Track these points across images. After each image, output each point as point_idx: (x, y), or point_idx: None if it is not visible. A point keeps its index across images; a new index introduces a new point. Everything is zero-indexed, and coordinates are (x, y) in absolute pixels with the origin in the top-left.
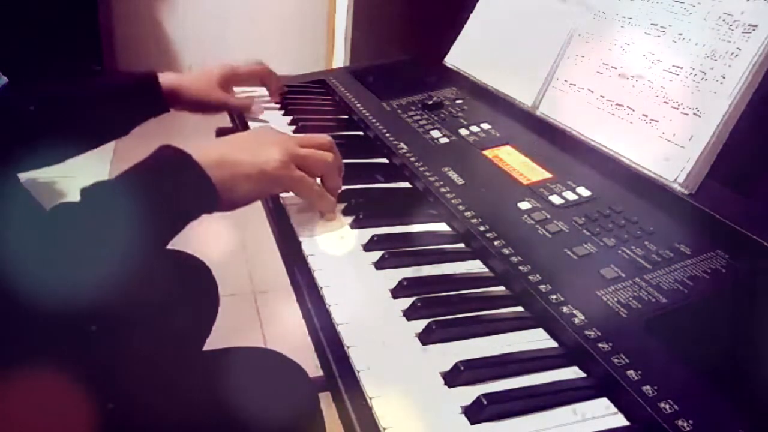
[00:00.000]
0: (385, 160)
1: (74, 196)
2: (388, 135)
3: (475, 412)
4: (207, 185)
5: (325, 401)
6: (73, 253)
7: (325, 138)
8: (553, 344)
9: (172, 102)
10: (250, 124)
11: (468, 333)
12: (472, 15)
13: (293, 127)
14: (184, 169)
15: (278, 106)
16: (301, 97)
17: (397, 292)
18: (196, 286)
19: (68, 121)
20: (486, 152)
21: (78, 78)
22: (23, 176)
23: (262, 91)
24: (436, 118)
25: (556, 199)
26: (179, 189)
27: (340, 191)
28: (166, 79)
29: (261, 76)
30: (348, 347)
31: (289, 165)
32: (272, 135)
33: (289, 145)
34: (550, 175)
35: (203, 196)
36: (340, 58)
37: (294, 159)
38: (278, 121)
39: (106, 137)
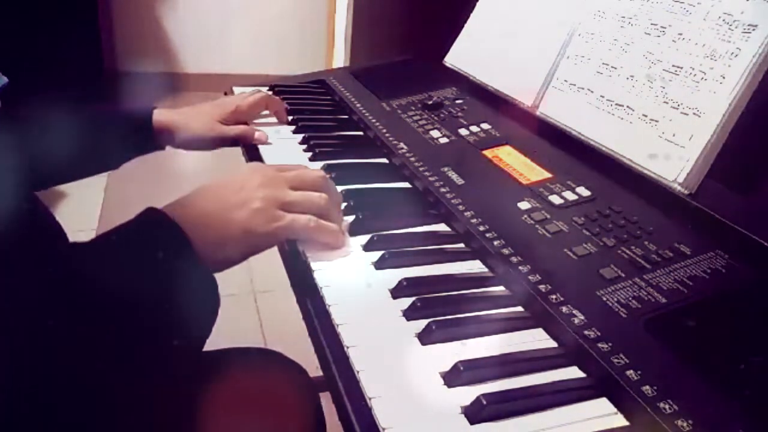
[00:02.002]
0: (385, 160)
1: (74, 196)
2: (388, 135)
3: (475, 412)
4: (190, 256)
5: (325, 401)
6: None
7: (317, 175)
8: (553, 344)
9: (166, 140)
10: (261, 149)
11: (468, 333)
12: (472, 15)
13: (293, 127)
14: (169, 240)
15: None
16: (301, 97)
17: (397, 292)
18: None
19: (56, 151)
20: (486, 152)
21: (73, 107)
22: None
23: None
24: (436, 118)
25: (555, 199)
26: (162, 261)
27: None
28: (161, 116)
29: (265, 104)
30: (348, 347)
31: (274, 216)
32: (260, 180)
33: (276, 193)
34: (550, 175)
35: (187, 267)
36: (340, 58)
37: (280, 207)
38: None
39: (93, 170)
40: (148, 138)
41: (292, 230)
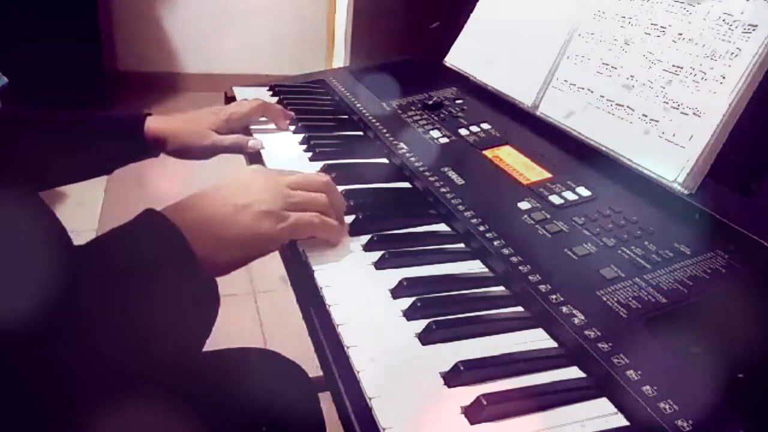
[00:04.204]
0: (385, 160)
1: (74, 196)
2: (388, 135)
3: (475, 412)
4: (189, 259)
5: (325, 401)
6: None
7: (320, 179)
8: (553, 344)
9: (159, 148)
10: (263, 153)
11: (468, 333)
12: (472, 15)
13: (293, 127)
14: (168, 243)
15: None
16: (301, 97)
17: (397, 292)
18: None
19: (46, 155)
20: (486, 152)
21: (66, 112)
22: None
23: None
24: (436, 118)
25: (555, 199)
26: (159, 264)
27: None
28: (154, 124)
29: (262, 111)
30: (348, 347)
31: (279, 218)
32: (263, 183)
33: (280, 196)
34: (550, 175)
35: (186, 270)
36: (340, 58)
37: (285, 208)
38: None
39: (83, 175)
40: (139, 146)
41: (297, 229)
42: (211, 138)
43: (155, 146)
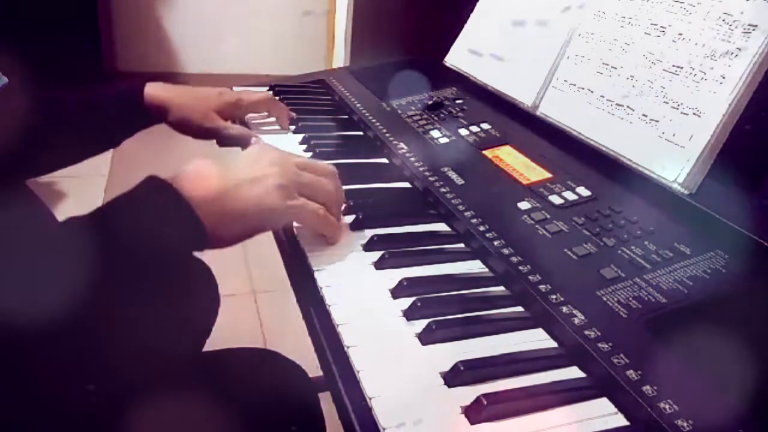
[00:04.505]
0: (385, 160)
1: (74, 196)
2: (388, 135)
3: (474, 412)
4: (196, 224)
5: (325, 401)
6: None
7: (328, 166)
8: (553, 344)
9: (160, 115)
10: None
11: (468, 333)
12: (472, 15)
13: (293, 127)
14: (171, 208)
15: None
16: (301, 97)
17: (397, 292)
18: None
19: (50, 133)
20: (486, 152)
21: (62, 90)
22: None
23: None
24: (436, 118)
25: (555, 199)
26: (163, 228)
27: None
28: (155, 91)
29: (267, 107)
30: (348, 347)
31: (289, 194)
32: (271, 158)
33: (290, 172)
34: (550, 175)
35: (191, 236)
36: (340, 58)
37: (294, 186)
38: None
39: (91, 150)
40: (141, 113)
41: (302, 212)
42: (215, 122)
43: (156, 113)
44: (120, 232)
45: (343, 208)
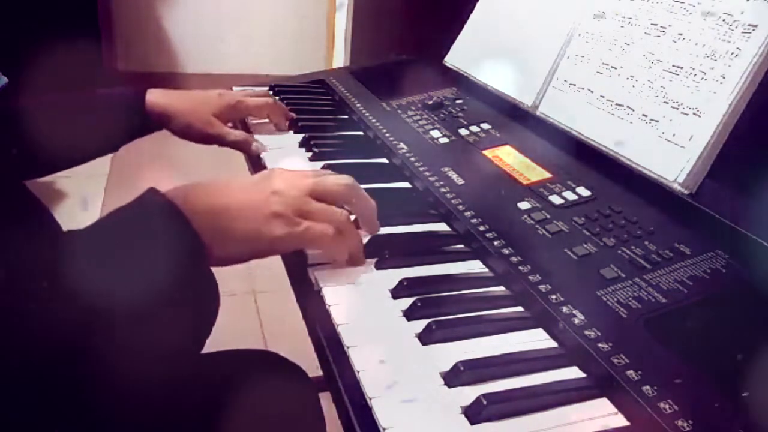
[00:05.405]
0: (385, 160)
1: (74, 196)
2: (388, 135)
3: (475, 412)
4: (192, 238)
5: (325, 401)
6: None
7: (344, 183)
8: (553, 344)
9: (162, 123)
10: (263, 156)
11: (468, 333)
12: (472, 15)
13: (293, 127)
14: (170, 224)
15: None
16: (301, 97)
17: (397, 292)
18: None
19: (49, 135)
20: (486, 152)
21: (62, 90)
22: None
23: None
24: (436, 118)
25: (555, 199)
26: (161, 246)
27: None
28: (156, 99)
29: (268, 111)
30: (348, 347)
31: (289, 221)
32: (275, 185)
33: (293, 199)
34: (550, 175)
35: (188, 250)
36: (340, 58)
37: (300, 214)
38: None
39: (90, 154)
40: (142, 120)
41: (305, 238)
42: (217, 129)
43: (158, 121)
44: (117, 248)
45: (362, 242)
